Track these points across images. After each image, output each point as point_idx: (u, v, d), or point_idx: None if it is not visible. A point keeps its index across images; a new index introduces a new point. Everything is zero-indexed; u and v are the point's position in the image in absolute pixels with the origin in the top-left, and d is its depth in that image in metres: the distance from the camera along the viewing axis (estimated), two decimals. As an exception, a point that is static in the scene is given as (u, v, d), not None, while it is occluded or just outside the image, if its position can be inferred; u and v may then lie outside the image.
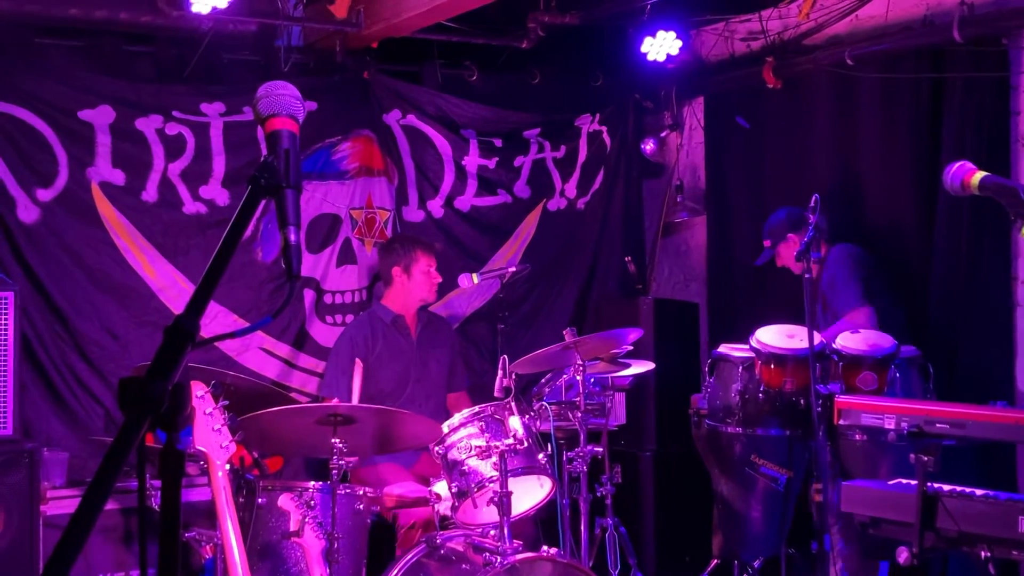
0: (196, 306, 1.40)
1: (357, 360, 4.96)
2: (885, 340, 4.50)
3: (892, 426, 3.56)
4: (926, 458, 3.43)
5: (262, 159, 1.60)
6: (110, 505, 4.42)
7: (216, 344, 5.29)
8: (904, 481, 3.73)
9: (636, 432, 5.68)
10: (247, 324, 5.40)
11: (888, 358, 4.44)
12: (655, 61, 5.83)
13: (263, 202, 1.56)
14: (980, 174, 2.58)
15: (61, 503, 4.48)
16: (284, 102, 1.67)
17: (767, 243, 5.41)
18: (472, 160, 6.08)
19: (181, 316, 1.38)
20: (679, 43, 5.78)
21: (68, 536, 1.19)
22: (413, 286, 5.14)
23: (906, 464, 4.27)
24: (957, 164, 2.66)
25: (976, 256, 4.97)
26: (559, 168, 6.36)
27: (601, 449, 4.56)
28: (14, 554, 4.14)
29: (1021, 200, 2.60)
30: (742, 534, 5.00)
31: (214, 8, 4.79)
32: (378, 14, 5.31)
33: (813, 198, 4.25)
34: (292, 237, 1.60)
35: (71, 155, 5.03)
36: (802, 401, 4.58)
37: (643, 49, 5.76)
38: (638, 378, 5.08)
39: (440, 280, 5.22)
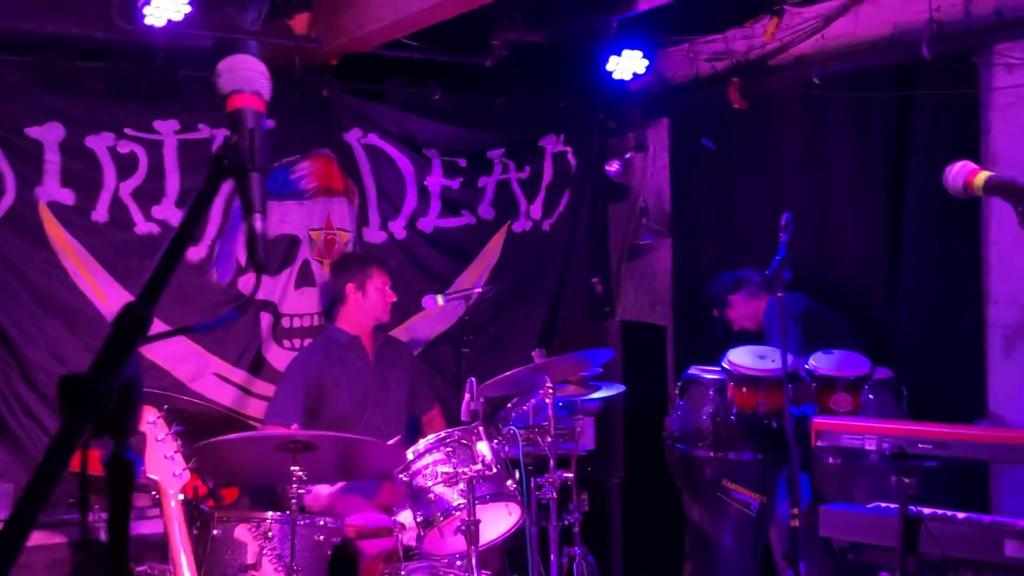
0: (150, 293, 1.23)
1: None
2: (859, 361, 4.42)
3: (873, 447, 3.46)
4: (908, 480, 3.32)
5: (225, 139, 1.45)
6: (56, 539, 4.22)
7: (168, 370, 5.11)
8: (883, 504, 3.64)
9: (604, 458, 5.55)
10: (202, 349, 5.22)
11: (862, 379, 4.36)
12: (620, 81, 5.75)
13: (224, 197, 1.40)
14: (985, 173, 2.47)
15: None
16: (248, 77, 1.53)
17: (715, 313, 5.50)
18: (435, 180, 5.96)
19: (133, 303, 1.21)
20: (645, 62, 5.70)
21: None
22: (368, 304, 4.99)
23: (882, 487, 4.19)
24: (959, 164, 2.56)
25: (946, 275, 4.91)
26: (524, 189, 6.25)
27: (571, 475, 4.42)
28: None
29: None
30: (714, 561, 4.88)
31: (169, 21, 4.63)
32: (339, 28, 5.19)
33: (784, 217, 4.16)
34: (258, 225, 1.45)
35: (18, 173, 4.84)
36: (775, 424, 4.49)
37: (609, 68, 5.67)
38: (606, 402, 4.96)
39: (395, 299, 5.08)
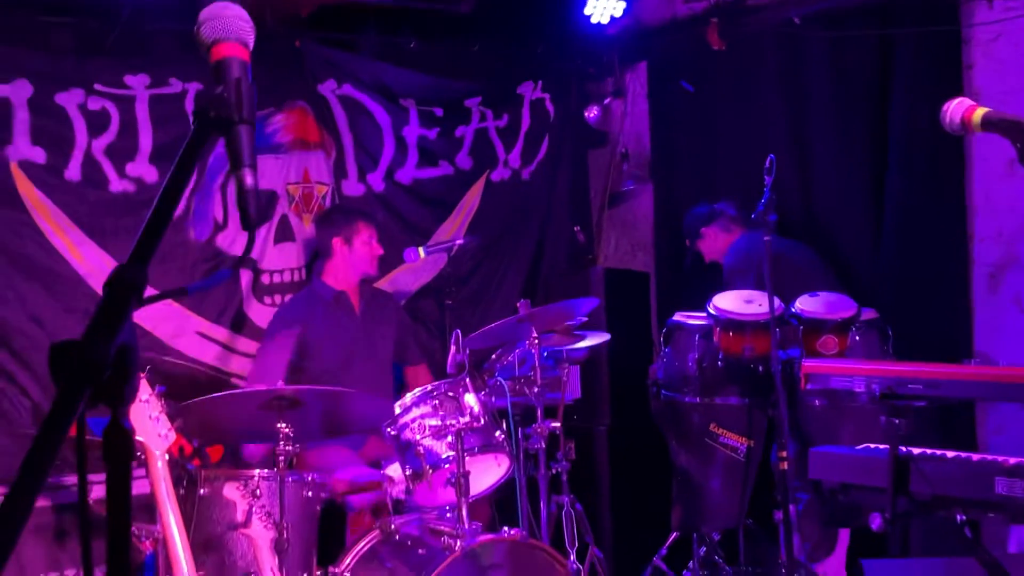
0: (142, 253, 1.17)
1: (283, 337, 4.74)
2: (846, 303, 4.40)
3: (863, 388, 3.44)
4: (898, 420, 3.32)
5: (211, 91, 1.38)
6: (42, 502, 4.17)
7: (148, 329, 5.04)
8: (872, 446, 3.63)
9: (590, 406, 5.54)
10: (182, 308, 5.15)
11: (849, 321, 4.34)
12: (598, 24, 5.68)
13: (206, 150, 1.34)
14: (983, 110, 2.44)
15: (-12, 501, 4.21)
16: (231, 25, 1.46)
17: (687, 243, 5.51)
18: (412, 131, 5.87)
19: (124, 266, 1.15)
20: (623, 4, 5.63)
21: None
22: (354, 258, 4.94)
23: (868, 428, 4.21)
24: (956, 101, 2.52)
25: (930, 213, 4.89)
26: (502, 137, 6.18)
27: (558, 424, 4.41)
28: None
29: None
30: (701, 506, 4.89)
31: (135, -27, 4.52)
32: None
33: (768, 159, 4.11)
34: (248, 180, 1.40)
35: (-14, 132, 4.73)
36: (761, 368, 4.48)
37: (586, 11, 5.59)
38: (591, 350, 4.94)
39: (382, 252, 5.03)
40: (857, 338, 4.42)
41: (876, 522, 3.39)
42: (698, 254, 5.47)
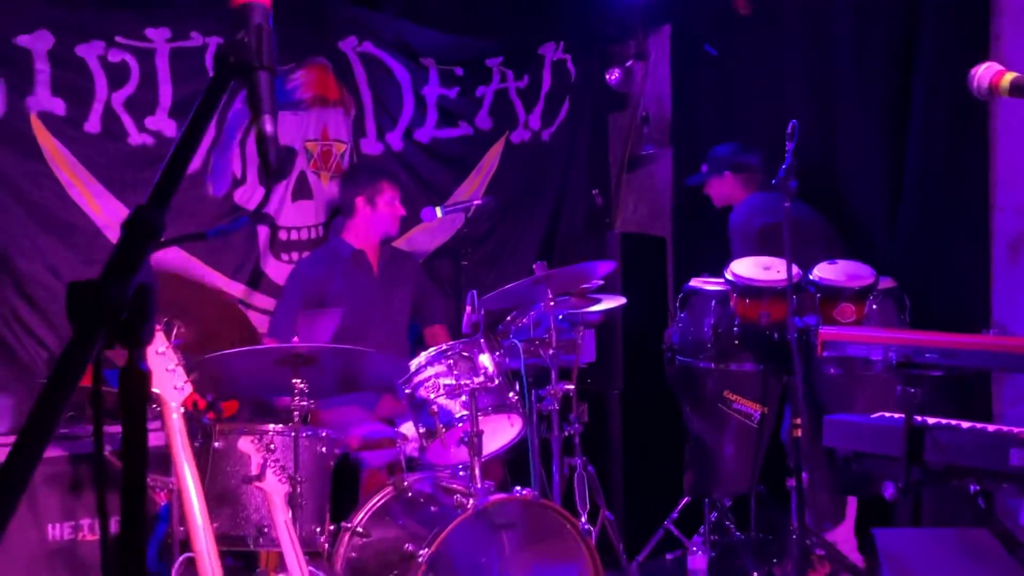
0: (160, 196, 1.17)
1: (333, 309, 4.75)
2: (864, 271, 4.38)
3: (879, 356, 3.43)
4: (913, 390, 3.30)
5: (231, 37, 1.37)
6: (56, 452, 4.21)
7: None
8: (887, 414, 3.62)
9: (604, 370, 5.54)
10: (198, 262, 5.17)
11: (867, 289, 4.32)
12: (622, -16, 5.62)
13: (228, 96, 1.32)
14: (1012, 74, 2.41)
15: (5, 451, 4.24)
16: None
17: (703, 168, 5.39)
18: (432, 90, 5.85)
19: (142, 206, 1.15)
20: (647, -34, 5.56)
21: (6, 478, 0.97)
22: (377, 218, 4.93)
23: (883, 397, 4.20)
24: (984, 65, 2.49)
25: (951, 183, 4.84)
26: (522, 98, 6.14)
27: (572, 387, 4.41)
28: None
29: None
30: (714, 471, 4.90)
31: (157, -76, 4.49)
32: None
33: (790, 124, 4.08)
34: (268, 127, 1.38)
35: (8, 83, 4.72)
36: (777, 335, 4.46)
37: (610, -28, 5.54)
38: (606, 314, 4.93)
39: (404, 214, 5.03)
40: (874, 307, 4.40)
41: (889, 491, 3.40)
42: (704, 184, 5.40)
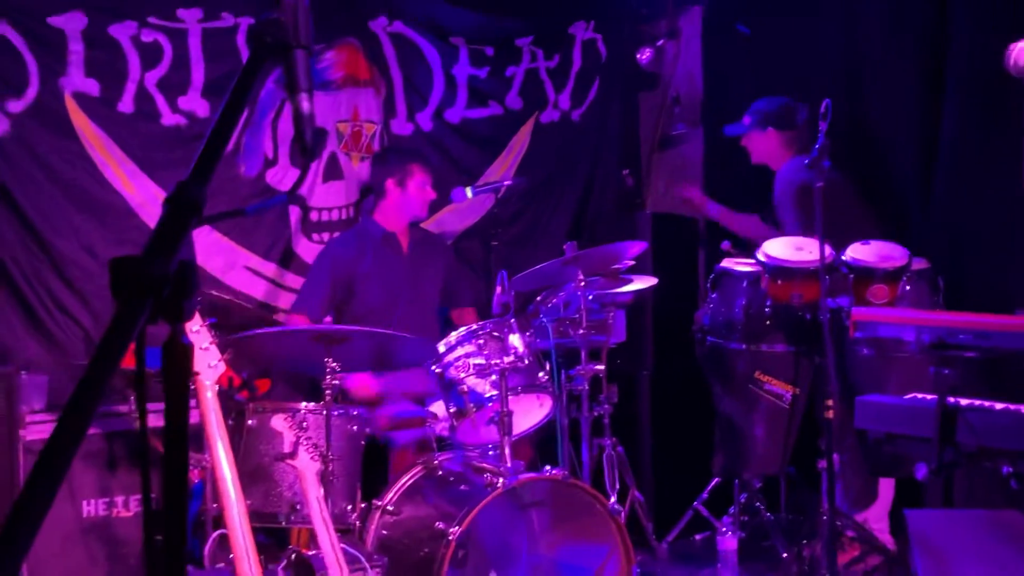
0: (202, 172, 1.18)
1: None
2: (897, 251, 4.35)
3: (912, 338, 3.41)
4: (946, 371, 3.29)
5: (267, 16, 1.38)
6: (92, 429, 4.26)
7: (199, 263, 5.10)
8: (920, 396, 3.61)
9: (633, 351, 5.54)
10: (231, 242, 5.20)
11: (900, 270, 4.29)
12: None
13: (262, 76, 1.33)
14: (1051, 52, 2.39)
15: (41, 428, 4.29)
16: None
17: (746, 120, 5.23)
18: (462, 69, 5.84)
19: (184, 183, 1.16)
20: (678, -56, 5.52)
21: (51, 456, 0.98)
22: (407, 201, 4.94)
23: (915, 378, 4.17)
24: (1022, 42, 2.47)
25: (985, 161, 4.78)
26: (552, 78, 6.12)
27: (602, 367, 4.42)
28: (-6, 481, 3.99)
29: None
30: (744, 452, 4.90)
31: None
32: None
33: (824, 103, 4.05)
34: (304, 105, 1.39)
35: (42, 64, 4.74)
36: (809, 316, 4.44)
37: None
38: (637, 295, 4.93)
39: (434, 197, 5.04)
40: (908, 288, 4.37)
41: (921, 472, 3.38)
42: (742, 137, 5.25)
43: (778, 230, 4.93)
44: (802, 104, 5.10)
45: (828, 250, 4.13)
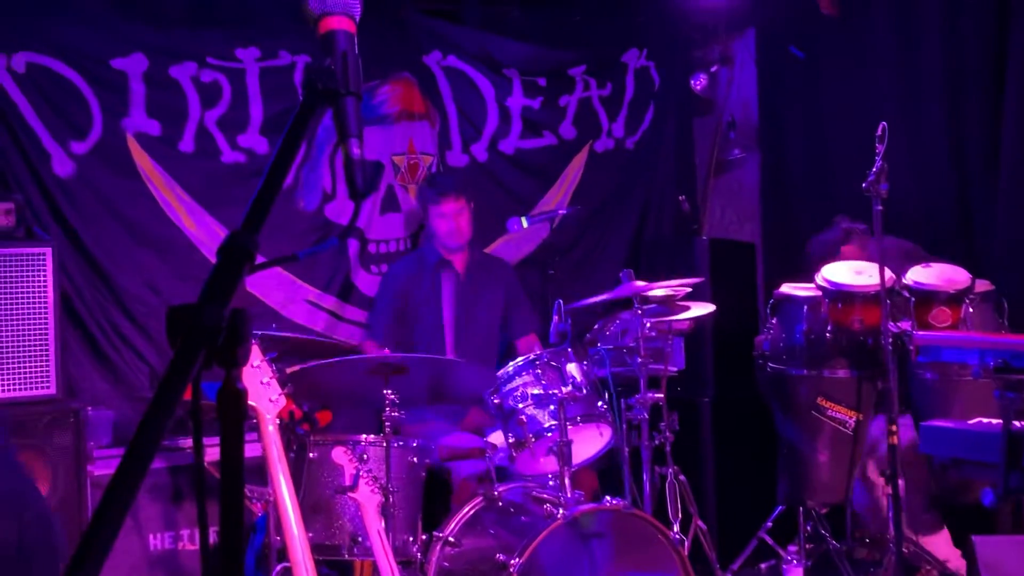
0: (254, 221, 1.21)
1: None
2: (959, 274, 4.27)
3: (976, 361, 3.36)
4: (1012, 395, 3.23)
5: (319, 63, 1.41)
6: (157, 463, 4.32)
7: (260, 297, 5.17)
8: (985, 420, 3.54)
9: (693, 378, 5.50)
10: (292, 276, 5.27)
11: (963, 292, 4.21)
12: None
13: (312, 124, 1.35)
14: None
15: (108, 463, 4.37)
16: None
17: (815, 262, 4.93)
18: (516, 101, 5.88)
19: (237, 232, 1.19)
20: (730, -31, 5.52)
21: (115, 492, 1.01)
22: (434, 231, 4.97)
23: (980, 403, 4.09)
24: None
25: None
26: (605, 107, 6.14)
27: (662, 395, 4.39)
28: (62, 515, 4.05)
29: None
30: (808, 479, 4.82)
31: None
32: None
33: (880, 126, 4.01)
34: (355, 150, 1.42)
35: (104, 106, 4.87)
36: (870, 340, 4.38)
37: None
38: (696, 322, 4.89)
39: (463, 227, 4.93)
40: (971, 310, 4.29)
41: (988, 498, 3.32)
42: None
43: None
44: (840, 216, 4.97)
45: (889, 274, 4.08)
